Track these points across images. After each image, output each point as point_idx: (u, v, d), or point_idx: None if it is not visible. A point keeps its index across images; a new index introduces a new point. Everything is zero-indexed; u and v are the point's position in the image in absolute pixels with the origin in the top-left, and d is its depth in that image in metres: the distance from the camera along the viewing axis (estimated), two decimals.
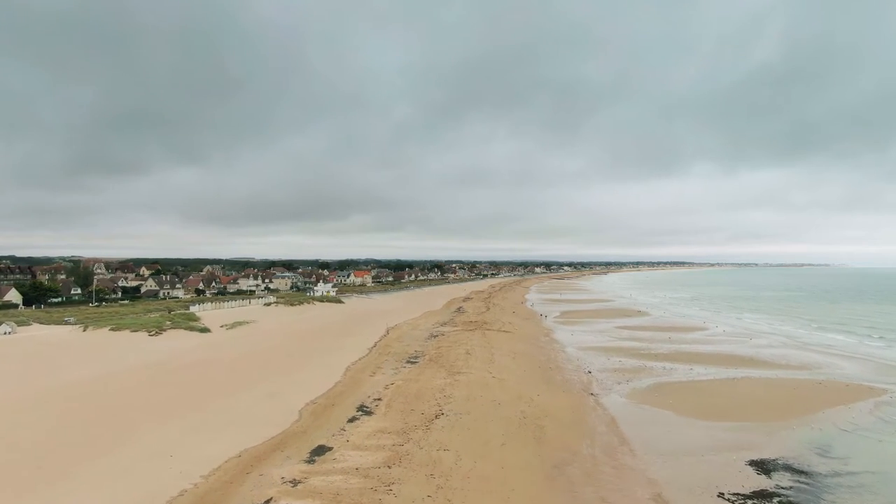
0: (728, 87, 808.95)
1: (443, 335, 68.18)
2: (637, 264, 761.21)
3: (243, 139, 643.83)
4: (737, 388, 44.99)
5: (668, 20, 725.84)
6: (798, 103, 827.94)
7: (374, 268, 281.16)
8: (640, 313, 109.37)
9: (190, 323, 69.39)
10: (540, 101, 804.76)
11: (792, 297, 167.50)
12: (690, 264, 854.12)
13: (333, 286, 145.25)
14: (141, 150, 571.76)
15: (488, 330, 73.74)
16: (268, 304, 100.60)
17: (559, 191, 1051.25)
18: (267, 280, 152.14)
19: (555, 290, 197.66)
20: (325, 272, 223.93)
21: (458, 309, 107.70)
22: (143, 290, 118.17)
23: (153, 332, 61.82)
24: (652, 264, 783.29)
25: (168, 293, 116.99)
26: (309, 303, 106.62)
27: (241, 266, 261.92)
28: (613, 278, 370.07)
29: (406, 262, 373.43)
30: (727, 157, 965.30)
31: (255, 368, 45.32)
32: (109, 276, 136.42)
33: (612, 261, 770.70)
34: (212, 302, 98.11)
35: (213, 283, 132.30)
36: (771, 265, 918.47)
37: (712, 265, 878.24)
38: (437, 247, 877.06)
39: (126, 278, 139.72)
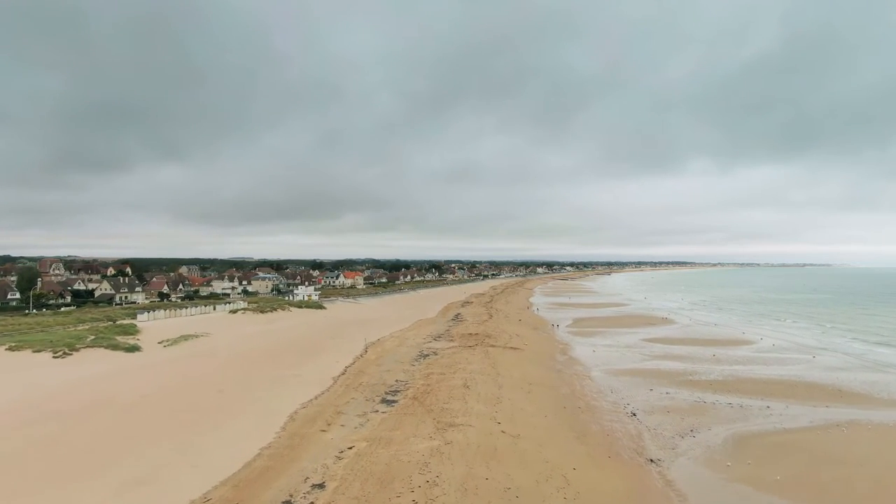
0: (724, 80, 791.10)
1: (435, 354, 54.24)
2: (639, 264, 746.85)
3: (225, 134, 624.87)
4: (855, 444, 31.06)
5: (660, 8, 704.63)
6: (797, 97, 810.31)
7: (369, 268, 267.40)
8: (664, 321, 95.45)
9: (117, 339, 55.38)
10: (529, 94, 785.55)
11: (814, 301, 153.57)
12: (692, 264, 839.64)
13: (317, 289, 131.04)
14: (120, 146, 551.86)
15: (492, 346, 59.81)
16: (233, 312, 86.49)
17: (555, 189, 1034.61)
18: (245, 282, 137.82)
19: (561, 293, 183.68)
20: (316, 273, 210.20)
21: (456, 316, 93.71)
22: (97, 293, 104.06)
23: (59, 354, 47.77)
24: (654, 264, 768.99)
25: (125, 297, 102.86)
26: (283, 309, 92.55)
27: (238, 266, 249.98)
28: (618, 279, 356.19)
29: (404, 262, 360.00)
30: (724, 153, 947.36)
31: (157, 418, 31.30)
32: (65, 277, 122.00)
33: (613, 261, 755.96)
34: (167, 309, 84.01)
35: (181, 286, 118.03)
36: (772, 265, 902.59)
37: (714, 265, 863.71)
38: (436, 246, 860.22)
39: (89, 280, 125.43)
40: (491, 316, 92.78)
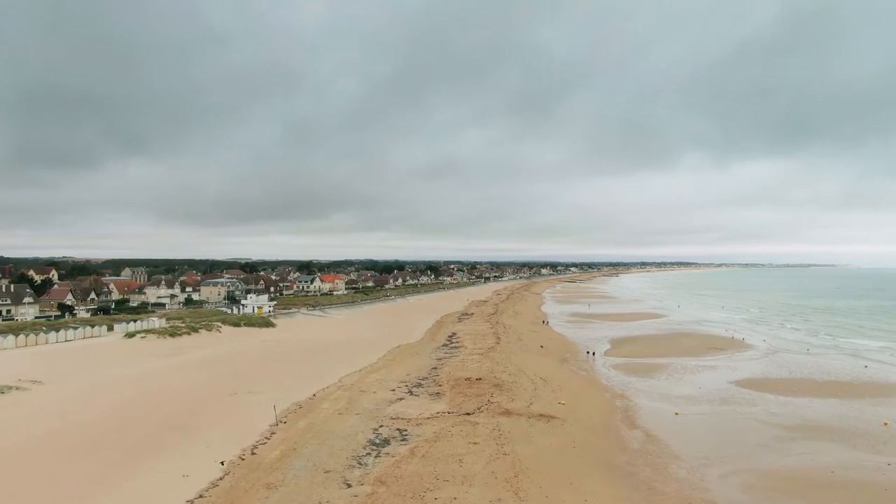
0: (717, 64, 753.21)
1: (403, 440, 28.62)
2: (643, 264, 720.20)
3: (192, 126, 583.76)
4: None
5: None
6: (795, 83, 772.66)
7: (357, 269, 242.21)
8: (735, 344, 69.44)
9: None
10: (507, 83, 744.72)
11: (876, 310, 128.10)
12: (696, 265, 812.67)
13: (272, 297, 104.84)
14: (78, 139, 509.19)
15: (507, 413, 34.04)
16: (130, 336, 60.63)
17: (547, 186, 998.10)
18: (190, 289, 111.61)
19: (575, 299, 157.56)
20: (296, 275, 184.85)
21: (450, 339, 68.01)
22: None
23: None
24: (658, 265, 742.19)
25: (7, 311, 76.99)
26: (210, 329, 66.85)
27: (226, 268, 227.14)
28: (628, 281, 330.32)
29: (402, 263, 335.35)
30: (718, 146, 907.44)
31: None
32: None
33: (615, 261, 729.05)
34: (31, 333, 58.07)
35: (96, 296, 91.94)
36: (775, 265, 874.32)
37: (718, 266, 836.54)
38: (436, 247, 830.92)
39: None
40: (498, 339, 66.85)
